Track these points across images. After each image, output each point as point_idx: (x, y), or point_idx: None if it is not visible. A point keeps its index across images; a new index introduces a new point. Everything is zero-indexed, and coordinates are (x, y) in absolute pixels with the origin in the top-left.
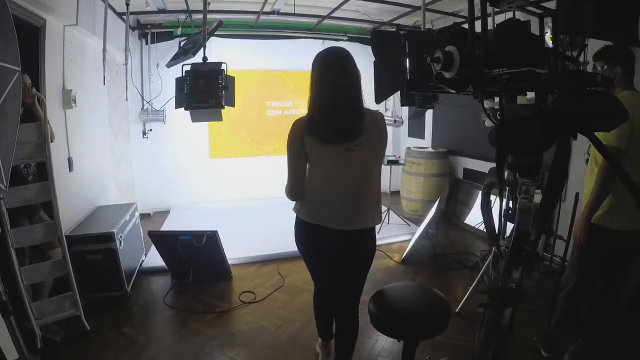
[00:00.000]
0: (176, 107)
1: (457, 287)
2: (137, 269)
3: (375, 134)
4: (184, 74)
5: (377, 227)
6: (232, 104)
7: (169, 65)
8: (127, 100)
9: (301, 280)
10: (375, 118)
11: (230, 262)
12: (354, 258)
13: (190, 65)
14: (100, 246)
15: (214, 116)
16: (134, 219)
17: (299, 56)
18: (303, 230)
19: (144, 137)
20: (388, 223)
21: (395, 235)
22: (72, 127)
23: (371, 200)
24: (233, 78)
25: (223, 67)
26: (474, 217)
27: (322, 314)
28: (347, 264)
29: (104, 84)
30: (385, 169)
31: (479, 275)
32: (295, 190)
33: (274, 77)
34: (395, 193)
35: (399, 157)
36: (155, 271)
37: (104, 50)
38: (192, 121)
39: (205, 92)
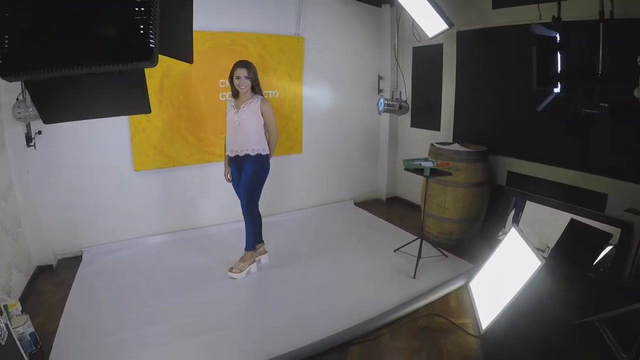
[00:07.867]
0: None
1: None
2: None
3: None
4: None
5: (411, 270)
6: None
7: None
8: None
9: None
10: None
11: None
12: None
13: None
14: None
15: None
16: None
17: (267, 13)
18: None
19: (29, 146)
20: (419, 257)
21: (440, 278)
22: None
23: None
24: None
25: None
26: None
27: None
28: None
29: None
30: (412, 179)
31: None
32: None
33: (227, 43)
34: (406, 204)
35: (446, 163)
36: None
37: None
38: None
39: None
